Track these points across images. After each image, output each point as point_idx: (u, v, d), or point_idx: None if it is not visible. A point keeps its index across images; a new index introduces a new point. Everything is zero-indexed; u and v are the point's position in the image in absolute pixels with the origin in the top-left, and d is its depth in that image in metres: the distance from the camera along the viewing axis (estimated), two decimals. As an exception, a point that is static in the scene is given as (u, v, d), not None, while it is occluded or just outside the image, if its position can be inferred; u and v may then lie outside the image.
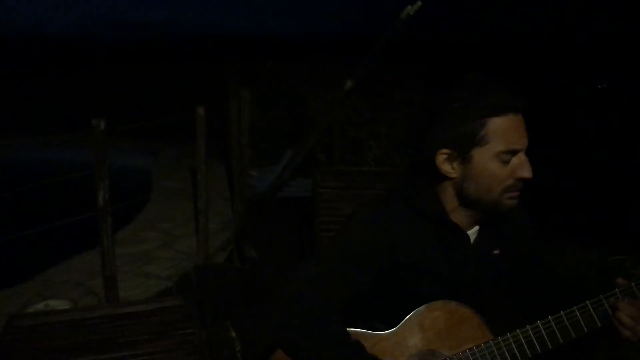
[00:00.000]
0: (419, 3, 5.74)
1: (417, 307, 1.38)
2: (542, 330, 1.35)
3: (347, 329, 1.35)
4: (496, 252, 1.48)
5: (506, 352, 1.35)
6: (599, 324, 1.34)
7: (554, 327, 1.35)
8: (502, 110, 1.27)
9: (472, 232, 1.44)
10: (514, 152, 1.29)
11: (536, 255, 1.55)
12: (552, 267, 1.59)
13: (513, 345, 1.35)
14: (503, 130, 1.28)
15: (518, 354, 1.35)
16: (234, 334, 3.25)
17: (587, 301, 1.34)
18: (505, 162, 1.29)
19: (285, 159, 7.25)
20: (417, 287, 1.38)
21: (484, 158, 1.29)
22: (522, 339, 1.35)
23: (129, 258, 5.08)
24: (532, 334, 1.35)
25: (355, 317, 1.40)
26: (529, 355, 1.35)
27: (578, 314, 1.34)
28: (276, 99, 8.26)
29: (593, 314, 1.34)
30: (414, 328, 1.37)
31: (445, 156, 1.33)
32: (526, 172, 1.30)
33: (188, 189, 6.89)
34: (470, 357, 1.35)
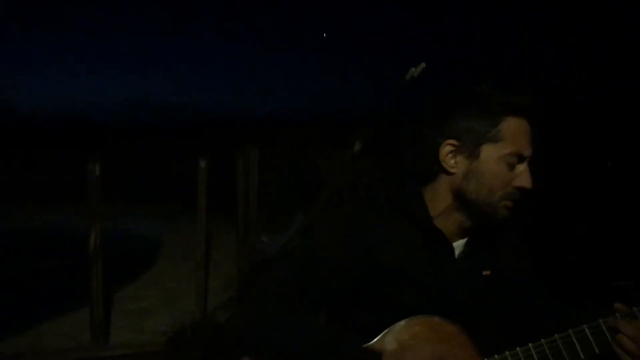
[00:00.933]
0: (423, 64, 5.85)
1: (397, 320, 1.24)
2: (534, 355, 1.23)
3: None
4: (486, 272, 1.36)
5: None
6: (597, 350, 1.20)
7: (547, 351, 1.22)
8: (520, 112, 1.24)
9: (459, 245, 1.33)
10: (520, 158, 1.23)
11: (530, 280, 1.41)
12: (549, 295, 1.45)
13: None
14: (516, 133, 1.23)
15: None
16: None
17: (584, 325, 1.21)
18: (511, 167, 1.23)
19: (296, 222, 7.22)
20: (397, 297, 1.25)
21: (493, 156, 1.23)
22: None
23: (127, 314, 4.98)
24: (522, 358, 1.23)
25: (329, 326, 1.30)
26: None
27: (574, 338, 1.21)
28: (287, 163, 8.36)
29: (590, 338, 1.20)
30: (391, 343, 1.23)
31: (451, 147, 1.25)
32: (527, 182, 1.23)
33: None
34: None
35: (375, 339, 1.23)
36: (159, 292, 5.87)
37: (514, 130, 1.23)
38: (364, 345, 1.22)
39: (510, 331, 1.29)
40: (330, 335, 1.22)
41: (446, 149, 1.25)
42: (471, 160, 1.25)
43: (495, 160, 1.23)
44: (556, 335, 1.21)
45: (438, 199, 1.30)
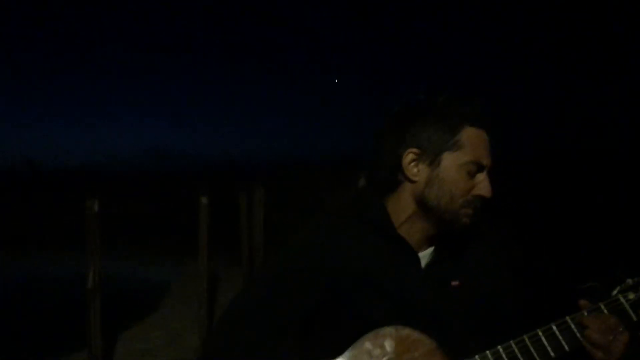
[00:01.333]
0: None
1: (366, 333, 1.23)
2: (504, 356, 1.21)
3: None
4: (455, 283, 1.36)
5: None
6: (566, 347, 1.20)
7: (517, 352, 1.21)
8: (478, 122, 1.28)
9: (425, 255, 1.32)
10: (479, 167, 1.26)
11: (502, 290, 1.38)
12: (521, 303, 1.43)
13: None
14: (475, 142, 1.26)
15: None
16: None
17: (552, 323, 1.21)
18: (471, 175, 1.26)
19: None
20: (364, 308, 1.25)
21: (453, 164, 1.26)
22: None
23: (131, 355, 4.93)
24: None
25: (298, 347, 1.29)
26: None
27: (543, 337, 1.21)
28: (293, 201, 8.38)
29: (559, 336, 1.20)
30: (361, 356, 1.24)
31: (414, 156, 1.28)
32: (487, 191, 1.26)
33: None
34: None
35: (344, 354, 1.22)
36: (163, 332, 5.81)
37: (472, 139, 1.26)
38: None
39: (481, 340, 1.27)
40: None
41: (409, 157, 1.28)
42: (432, 168, 1.27)
43: (456, 168, 1.26)
44: (524, 335, 1.21)
45: (401, 208, 1.31)
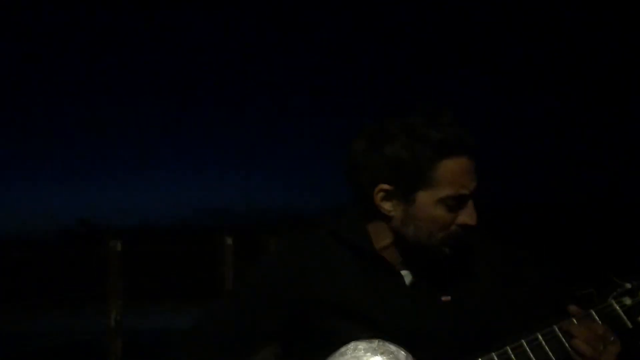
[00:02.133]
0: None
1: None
2: None
3: None
4: (446, 298, 1.28)
5: None
6: (553, 357, 1.10)
7: None
8: (456, 151, 1.16)
9: (408, 273, 1.24)
10: (460, 199, 1.16)
11: (497, 303, 1.28)
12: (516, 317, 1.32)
13: None
14: (454, 174, 1.15)
15: None
16: None
17: (538, 332, 1.12)
18: (451, 208, 1.16)
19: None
20: (337, 330, 1.17)
21: (429, 202, 1.16)
22: None
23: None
24: None
25: None
26: None
27: (527, 347, 1.12)
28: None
29: (545, 346, 1.11)
30: None
31: (384, 193, 1.19)
32: (471, 220, 1.16)
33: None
34: None
35: None
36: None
37: (451, 172, 1.16)
38: None
39: (473, 356, 1.16)
40: None
41: (380, 194, 1.19)
42: (407, 206, 1.18)
43: (432, 205, 1.16)
44: (507, 347, 1.11)
45: (380, 235, 1.23)
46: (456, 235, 1.18)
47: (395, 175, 1.17)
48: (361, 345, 1.14)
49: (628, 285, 1.11)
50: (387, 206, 1.19)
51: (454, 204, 1.15)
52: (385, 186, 1.17)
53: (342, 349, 1.14)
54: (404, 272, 1.24)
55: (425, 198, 1.16)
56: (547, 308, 1.19)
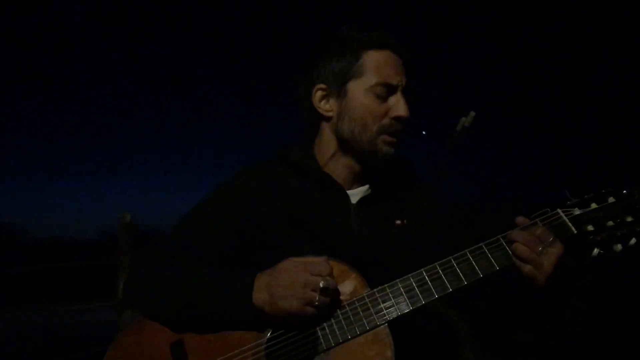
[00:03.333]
0: (472, 113, 5.72)
1: None
2: (426, 278, 1.17)
3: None
4: (398, 222, 1.34)
5: (382, 305, 1.16)
6: (496, 266, 1.14)
7: (441, 273, 1.16)
8: (379, 44, 1.25)
9: (356, 192, 1.31)
10: (390, 88, 1.23)
11: (453, 233, 1.33)
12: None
13: (390, 296, 1.17)
14: (378, 64, 1.23)
15: (396, 308, 1.16)
16: None
17: (482, 242, 1.16)
18: (381, 98, 1.23)
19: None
20: (285, 244, 1.24)
21: (359, 91, 1.24)
22: (401, 289, 1.17)
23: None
24: (414, 284, 1.17)
25: None
26: (409, 307, 1.15)
27: (470, 257, 1.16)
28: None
29: (488, 254, 1.15)
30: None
31: (322, 92, 1.28)
32: (402, 111, 1.23)
33: None
34: (339, 312, 1.17)
35: None
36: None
37: (375, 61, 1.24)
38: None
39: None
40: (211, 275, 1.14)
41: (317, 95, 1.28)
42: (341, 100, 1.26)
43: (362, 94, 1.23)
44: (451, 257, 1.15)
45: (324, 148, 1.31)
46: (390, 129, 1.24)
47: (327, 72, 1.27)
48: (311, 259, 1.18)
49: (585, 197, 1.12)
50: (326, 106, 1.28)
51: (383, 93, 1.23)
52: (321, 85, 1.27)
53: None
54: (351, 192, 1.30)
55: (355, 88, 1.24)
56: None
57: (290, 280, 1.03)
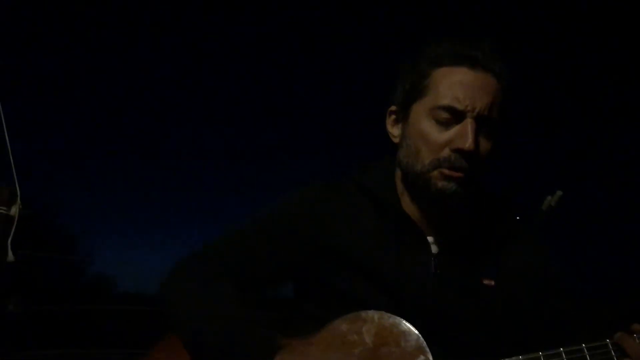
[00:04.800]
0: (559, 192, 5.34)
1: (344, 314, 1.06)
2: None
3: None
4: (489, 282, 1.13)
5: None
6: None
7: None
8: (455, 60, 1.04)
9: (433, 239, 1.11)
10: (456, 113, 1.02)
11: (545, 297, 1.12)
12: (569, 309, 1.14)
13: None
14: (447, 82, 1.03)
15: None
16: None
17: (584, 344, 0.98)
18: (442, 124, 1.03)
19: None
20: (349, 287, 1.08)
21: (420, 113, 1.05)
22: None
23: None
24: None
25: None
26: None
27: (566, 359, 0.96)
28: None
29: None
30: (332, 339, 1.06)
31: (393, 116, 1.14)
32: (463, 142, 1.00)
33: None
34: None
35: (313, 334, 1.05)
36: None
37: (443, 80, 1.04)
38: (298, 339, 1.04)
39: (503, 349, 0.99)
40: (241, 324, 1.02)
41: (390, 118, 1.14)
42: (405, 124, 1.10)
43: (422, 118, 1.05)
44: (541, 353, 0.98)
45: (398, 180, 1.14)
46: (447, 163, 1.02)
47: (399, 92, 1.11)
48: (363, 315, 1.03)
49: None
50: (393, 131, 1.12)
51: (447, 118, 1.02)
52: (393, 107, 1.12)
53: (352, 315, 1.04)
54: (430, 239, 1.11)
55: (417, 109, 1.06)
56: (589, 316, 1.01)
57: None
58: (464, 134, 1.01)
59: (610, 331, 0.99)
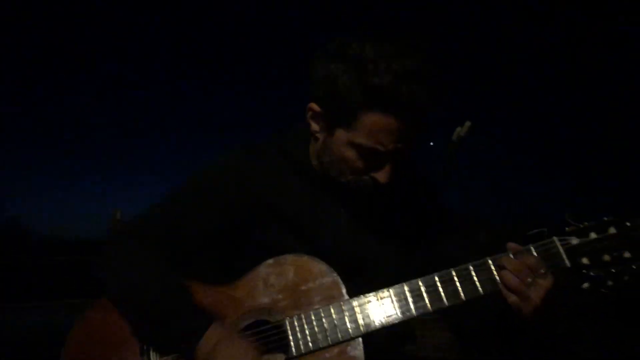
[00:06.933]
0: (468, 123, 5.65)
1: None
2: (407, 295, 1.11)
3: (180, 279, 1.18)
4: (389, 226, 1.26)
5: (359, 317, 1.11)
6: (480, 290, 1.08)
7: (423, 291, 1.11)
8: (384, 107, 1.05)
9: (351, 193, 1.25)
10: (377, 153, 1.11)
11: (448, 240, 1.28)
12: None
13: (368, 308, 1.11)
14: (374, 129, 1.08)
15: (373, 320, 1.10)
16: None
17: (470, 263, 1.10)
18: (364, 157, 1.13)
19: None
20: (273, 241, 1.20)
21: (343, 141, 1.12)
22: (377, 302, 1.11)
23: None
24: (392, 297, 1.11)
25: (194, 267, 1.24)
26: (383, 323, 1.10)
27: (456, 277, 1.10)
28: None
29: (474, 276, 1.09)
30: (256, 283, 1.18)
31: (313, 113, 1.18)
32: (381, 178, 1.13)
33: None
34: (313, 319, 1.12)
35: (241, 278, 1.18)
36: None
37: (371, 125, 1.08)
38: (228, 285, 1.17)
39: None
40: (172, 289, 1.14)
41: (309, 113, 1.19)
42: (327, 135, 1.17)
43: (345, 145, 1.13)
44: (435, 274, 1.09)
45: (315, 156, 1.24)
46: (366, 186, 1.15)
47: (324, 101, 1.14)
48: (282, 259, 1.16)
49: (581, 226, 1.06)
50: (314, 126, 1.19)
51: (367, 154, 1.12)
52: (315, 107, 1.17)
53: (273, 260, 1.17)
54: (344, 193, 1.22)
55: (341, 136, 1.13)
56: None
57: (233, 355, 1.04)
58: (383, 173, 1.14)
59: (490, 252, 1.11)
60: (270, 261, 1.18)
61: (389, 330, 1.17)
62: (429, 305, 1.09)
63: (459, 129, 6.06)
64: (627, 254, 1.02)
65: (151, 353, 1.15)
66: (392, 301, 1.10)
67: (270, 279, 1.17)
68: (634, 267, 1.02)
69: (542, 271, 1.03)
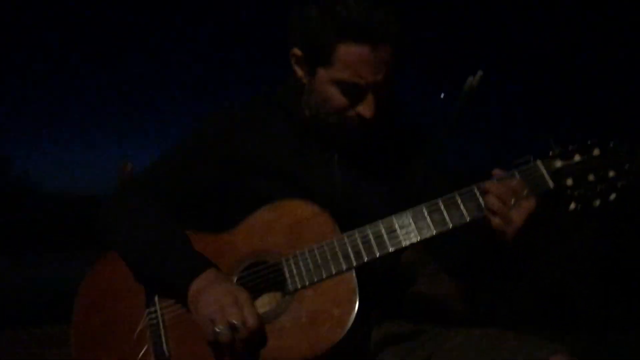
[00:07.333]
0: (481, 72, 5.51)
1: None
2: (396, 226, 1.14)
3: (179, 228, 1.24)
4: (380, 173, 1.29)
5: (350, 250, 1.14)
6: (467, 217, 1.10)
7: (411, 220, 1.13)
8: (358, 36, 1.10)
9: (339, 144, 1.27)
10: (359, 87, 1.14)
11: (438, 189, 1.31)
12: None
13: (359, 242, 1.14)
14: (352, 60, 1.12)
15: (363, 252, 1.14)
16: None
17: (456, 191, 1.12)
18: (346, 92, 1.15)
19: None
20: (263, 187, 1.24)
21: (325, 80, 1.16)
22: (370, 235, 1.14)
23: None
24: (383, 231, 1.14)
25: (194, 219, 1.31)
26: (376, 254, 1.13)
27: (442, 205, 1.12)
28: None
29: (460, 203, 1.11)
30: (253, 228, 1.22)
31: (296, 58, 1.21)
32: (365, 112, 1.15)
33: None
34: (307, 255, 1.16)
35: (237, 225, 1.22)
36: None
37: (349, 56, 1.11)
38: (225, 232, 1.22)
39: None
40: (171, 238, 1.20)
41: (293, 58, 1.22)
42: (310, 77, 1.20)
43: (327, 83, 1.16)
44: (423, 205, 1.12)
45: (305, 106, 1.25)
46: (352, 124, 1.18)
47: (303, 43, 1.18)
48: (289, 201, 1.20)
49: (564, 149, 1.07)
50: (299, 72, 1.22)
51: (349, 90, 1.14)
52: (297, 51, 1.20)
53: (269, 205, 1.21)
54: (336, 144, 1.26)
55: (322, 75, 1.16)
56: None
57: (219, 297, 1.08)
58: (366, 106, 1.15)
59: None
60: (266, 207, 1.22)
61: (386, 268, 1.23)
62: (418, 236, 1.11)
63: (470, 78, 5.94)
64: (611, 173, 1.03)
65: (156, 301, 1.21)
66: (384, 234, 1.13)
67: (267, 223, 1.21)
68: (618, 185, 1.02)
69: (525, 193, 1.05)
